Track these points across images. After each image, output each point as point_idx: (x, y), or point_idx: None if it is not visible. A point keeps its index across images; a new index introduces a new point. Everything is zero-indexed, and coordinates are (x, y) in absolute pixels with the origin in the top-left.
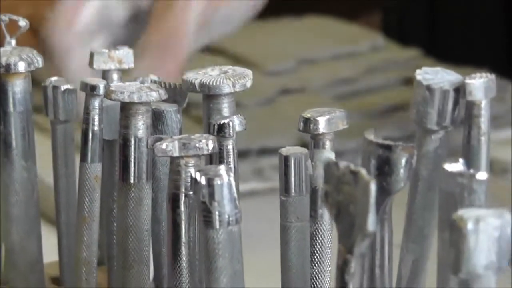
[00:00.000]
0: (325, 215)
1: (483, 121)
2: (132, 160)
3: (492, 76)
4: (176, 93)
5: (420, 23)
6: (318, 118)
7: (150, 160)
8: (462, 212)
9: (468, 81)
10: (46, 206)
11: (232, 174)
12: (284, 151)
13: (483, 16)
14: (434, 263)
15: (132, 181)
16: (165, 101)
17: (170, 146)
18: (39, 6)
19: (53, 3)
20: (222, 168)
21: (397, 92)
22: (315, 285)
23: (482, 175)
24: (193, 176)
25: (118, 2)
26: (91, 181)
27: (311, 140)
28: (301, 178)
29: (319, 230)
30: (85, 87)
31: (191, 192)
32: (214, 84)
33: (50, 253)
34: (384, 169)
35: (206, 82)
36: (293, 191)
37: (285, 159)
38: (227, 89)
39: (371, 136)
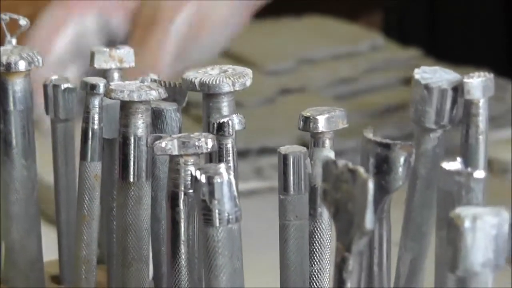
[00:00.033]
0: (324, 214)
1: (481, 120)
2: (132, 158)
3: (490, 75)
4: (176, 92)
5: (420, 23)
6: (318, 117)
7: (149, 159)
8: (460, 210)
9: (466, 80)
10: (46, 205)
11: (232, 173)
12: (283, 149)
13: (483, 16)
14: (433, 262)
15: (131, 180)
16: (164, 100)
17: (169, 144)
18: (39, 6)
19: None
20: (222, 166)
21: (397, 92)
22: (315, 283)
23: (479, 173)
24: (193, 174)
25: (93, 31)
26: (91, 180)
27: (311, 138)
28: (300, 177)
29: (319, 228)
30: (85, 86)
31: (190, 191)
32: (214, 83)
33: (50, 251)
34: (382, 168)
35: (206, 81)
36: (292, 189)
37: (284, 158)
38: (226, 88)
39: (369, 135)
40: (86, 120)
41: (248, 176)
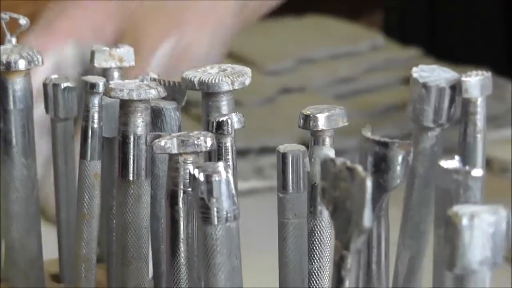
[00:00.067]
0: (324, 212)
1: (479, 118)
2: (131, 157)
3: (488, 74)
4: (175, 90)
5: (420, 23)
6: (318, 115)
7: (149, 158)
8: (457, 208)
9: (464, 78)
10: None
11: (230, 171)
12: (282, 148)
13: (483, 16)
14: (431, 260)
15: (131, 178)
16: (164, 98)
17: (168, 143)
18: (40, 5)
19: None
20: (220, 164)
21: (397, 91)
22: (314, 281)
23: (477, 172)
24: (192, 173)
25: (72, 60)
26: (91, 179)
27: (311, 137)
28: (298, 175)
29: (318, 227)
30: (85, 85)
31: (189, 189)
32: (213, 81)
33: (50, 250)
34: (380, 166)
35: (205, 80)
36: (290, 188)
37: (283, 156)
38: (226, 87)
39: (368, 133)
40: (86, 118)
41: (248, 175)
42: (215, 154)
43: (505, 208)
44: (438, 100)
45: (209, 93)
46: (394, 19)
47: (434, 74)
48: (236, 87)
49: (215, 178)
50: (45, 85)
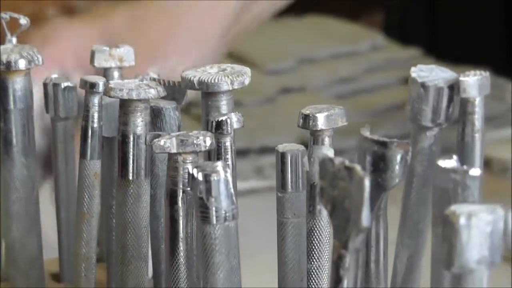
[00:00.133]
0: (323, 211)
1: (477, 118)
2: (131, 156)
3: (486, 74)
4: (175, 90)
5: (420, 23)
6: (317, 115)
7: (148, 157)
8: (455, 208)
9: (462, 78)
10: None
11: (229, 170)
12: (281, 147)
13: (483, 16)
14: (430, 260)
15: (130, 178)
16: (164, 98)
17: (168, 142)
18: (42, 5)
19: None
20: (219, 164)
21: (397, 91)
22: (313, 280)
23: (475, 171)
24: (191, 172)
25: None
26: (91, 178)
27: (310, 136)
28: (297, 175)
29: (317, 226)
30: (85, 85)
31: (188, 188)
32: (213, 81)
33: (50, 250)
34: (379, 166)
35: (204, 80)
36: (289, 187)
37: (282, 156)
38: (225, 86)
39: (366, 133)
40: (86, 118)
41: (248, 175)
42: (214, 154)
43: (502, 207)
44: (437, 99)
45: (208, 92)
46: (394, 19)
47: (433, 73)
48: (236, 87)
49: (214, 177)
50: (45, 85)
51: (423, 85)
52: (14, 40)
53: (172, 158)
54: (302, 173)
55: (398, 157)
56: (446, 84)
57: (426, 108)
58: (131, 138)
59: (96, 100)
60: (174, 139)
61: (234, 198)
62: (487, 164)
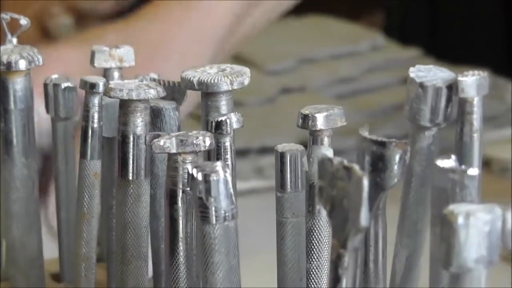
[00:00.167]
0: (323, 211)
1: (476, 118)
2: (131, 157)
3: (484, 74)
4: (175, 90)
5: (421, 23)
6: (316, 115)
7: (148, 157)
8: (453, 207)
9: (460, 78)
10: None
11: (228, 170)
12: (280, 147)
13: (483, 16)
14: (428, 260)
15: (130, 178)
16: (163, 98)
17: (167, 142)
18: (48, 3)
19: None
20: (218, 164)
21: (397, 91)
22: (313, 280)
23: (473, 171)
24: (190, 172)
25: (46, 119)
26: (91, 178)
27: (310, 136)
28: (296, 175)
29: (317, 225)
30: (85, 85)
31: (188, 188)
32: (212, 81)
33: (50, 249)
34: (378, 165)
35: (204, 80)
36: (288, 187)
37: (281, 156)
38: (225, 86)
39: (365, 133)
40: (86, 118)
41: (249, 175)
42: (214, 154)
43: (500, 206)
44: (435, 99)
45: (208, 93)
46: (394, 19)
47: (431, 73)
48: (235, 87)
49: (213, 177)
50: (45, 85)
51: (421, 85)
52: (14, 40)
53: (171, 158)
54: (301, 173)
55: (397, 157)
56: (445, 84)
57: (425, 108)
58: (131, 138)
59: (96, 100)
60: (173, 139)
61: (233, 198)
62: (487, 164)
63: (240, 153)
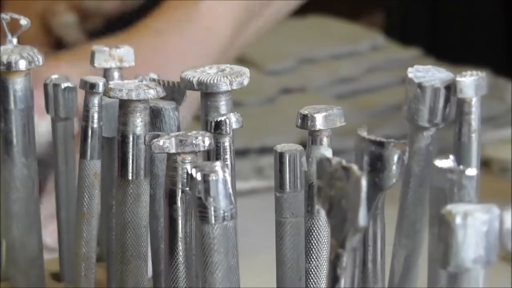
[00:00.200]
0: (322, 211)
1: (474, 118)
2: (130, 157)
3: (482, 74)
4: (174, 91)
5: (421, 24)
6: (316, 115)
7: (148, 157)
8: (451, 207)
9: (458, 79)
10: None
11: (227, 170)
12: (279, 148)
13: (483, 16)
14: (427, 260)
15: (130, 178)
16: (163, 98)
17: (167, 142)
18: (51, 2)
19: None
20: (217, 164)
21: (397, 91)
22: (312, 280)
23: (471, 171)
24: (189, 172)
25: (46, 136)
26: (90, 178)
27: (309, 136)
28: (295, 175)
29: (316, 225)
30: (85, 85)
31: (187, 188)
32: (212, 82)
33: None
34: (376, 165)
35: (203, 80)
36: (287, 187)
37: (280, 156)
38: (224, 87)
39: (363, 133)
40: (86, 118)
41: (249, 175)
42: (213, 154)
43: (498, 207)
44: (433, 100)
45: (207, 93)
46: (395, 19)
47: (429, 74)
48: (235, 87)
49: (212, 177)
50: (45, 85)
51: (420, 86)
52: (14, 41)
53: (171, 158)
54: (300, 173)
55: (395, 157)
56: (443, 84)
57: (423, 108)
58: (131, 138)
59: (96, 100)
60: (173, 139)
61: (232, 198)
62: (487, 164)
63: (240, 153)
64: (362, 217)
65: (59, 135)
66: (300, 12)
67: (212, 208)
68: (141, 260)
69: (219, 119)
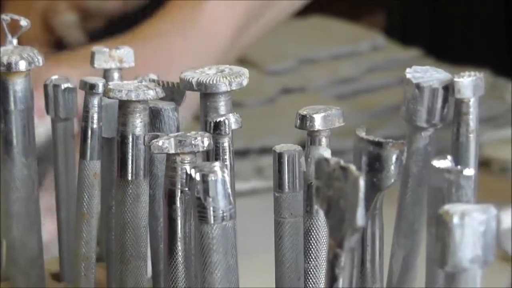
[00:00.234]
0: (321, 211)
1: (472, 118)
2: (130, 157)
3: (480, 75)
4: (174, 91)
5: (421, 24)
6: (314, 115)
7: (147, 158)
8: (448, 207)
9: (456, 79)
10: None
11: (226, 171)
12: (278, 148)
13: (483, 16)
14: (425, 260)
15: (129, 178)
16: (163, 99)
17: (166, 143)
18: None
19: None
20: (216, 164)
21: (397, 91)
22: (311, 280)
23: (469, 171)
24: (188, 172)
25: (44, 137)
26: (90, 178)
27: (308, 137)
28: (294, 175)
29: (315, 225)
30: (84, 86)
31: (186, 188)
32: (211, 82)
33: (50, 249)
34: (375, 166)
35: (203, 81)
36: (286, 187)
37: (279, 156)
38: (223, 87)
39: (362, 133)
40: (86, 119)
41: (249, 175)
42: (212, 154)
43: (496, 207)
44: (431, 100)
45: (207, 93)
46: (395, 20)
47: (427, 74)
48: (234, 88)
49: (211, 177)
50: (45, 86)
51: (418, 86)
52: (14, 41)
53: (170, 159)
54: (299, 173)
55: (393, 157)
56: (441, 85)
57: (421, 108)
58: (130, 139)
59: (95, 101)
60: (172, 139)
61: (231, 198)
62: (487, 164)
63: (240, 153)
64: (360, 217)
65: (59, 136)
66: (301, 12)
67: (211, 208)
68: (140, 260)
69: (218, 119)
